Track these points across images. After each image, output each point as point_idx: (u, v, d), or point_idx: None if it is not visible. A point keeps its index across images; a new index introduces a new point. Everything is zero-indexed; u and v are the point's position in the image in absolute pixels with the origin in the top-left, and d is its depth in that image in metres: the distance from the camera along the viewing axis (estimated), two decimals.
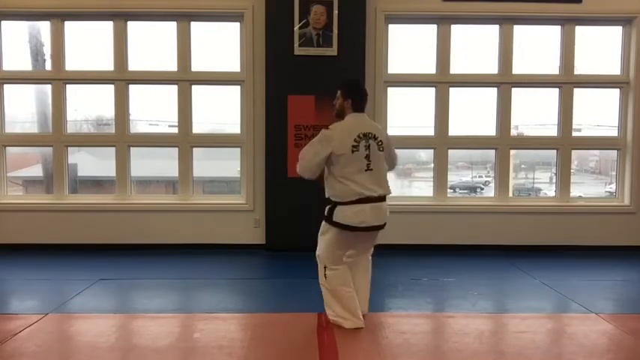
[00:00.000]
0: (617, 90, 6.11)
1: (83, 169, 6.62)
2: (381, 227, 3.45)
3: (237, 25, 5.95)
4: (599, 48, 6.14)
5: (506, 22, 5.97)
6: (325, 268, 3.48)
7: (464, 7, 5.86)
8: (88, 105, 6.34)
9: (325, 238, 3.48)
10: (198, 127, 6.08)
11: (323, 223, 3.51)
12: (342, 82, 3.62)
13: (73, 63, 5.99)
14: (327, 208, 3.46)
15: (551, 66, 6.12)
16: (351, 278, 3.52)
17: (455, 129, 6.06)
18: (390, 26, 6.01)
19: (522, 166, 7.20)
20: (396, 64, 6.03)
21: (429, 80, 6.07)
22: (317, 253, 3.56)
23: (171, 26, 5.94)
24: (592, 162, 7.65)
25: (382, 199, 3.41)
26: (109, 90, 5.99)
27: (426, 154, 6.50)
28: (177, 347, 3.28)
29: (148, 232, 5.90)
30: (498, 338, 3.57)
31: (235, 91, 6.00)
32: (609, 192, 6.60)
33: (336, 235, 3.41)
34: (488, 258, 5.58)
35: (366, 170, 3.34)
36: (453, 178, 6.36)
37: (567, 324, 3.69)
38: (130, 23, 5.94)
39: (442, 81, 6.02)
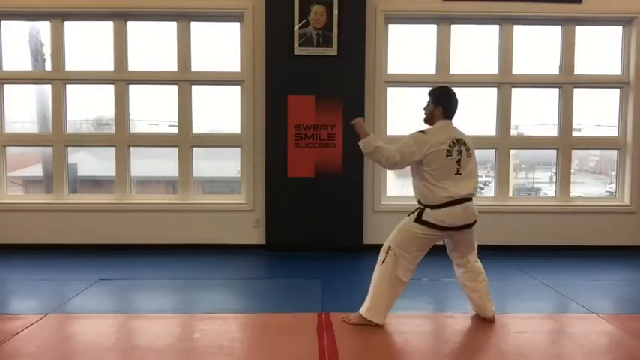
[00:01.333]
0: (617, 90, 6.11)
1: (83, 169, 6.63)
2: (471, 225, 3.52)
3: (237, 25, 5.95)
4: (599, 48, 6.14)
5: (506, 22, 5.97)
6: (388, 251, 3.49)
7: (464, 7, 5.86)
8: (88, 105, 6.33)
9: (406, 228, 3.51)
10: (198, 127, 6.08)
11: (407, 220, 3.55)
12: (433, 88, 3.70)
13: (73, 63, 5.99)
14: (415, 210, 3.52)
15: (551, 66, 6.12)
16: (402, 286, 3.55)
17: None
18: (390, 26, 6.01)
19: (522, 166, 7.21)
20: (396, 64, 6.03)
21: (429, 80, 6.04)
22: (387, 241, 3.56)
23: (172, 26, 5.94)
24: (592, 162, 7.66)
25: (470, 199, 3.48)
26: (109, 90, 5.99)
27: None
28: (177, 347, 3.28)
29: (148, 232, 5.90)
30: (498, 338, 3.57)
31: (235, 91, 6.00)
32: (609, 192, 6.61)
33: (421, 230, 3.45)
34: (488, 258, 5.56)
35: (455, 174, 3.44)
36: None
37: (567, 324, 3.69)
38: (130, 23, 5.94)
39: (442, 81, 5.99)
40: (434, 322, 3.81)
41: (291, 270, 5.20)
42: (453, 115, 3.63)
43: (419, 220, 3.47)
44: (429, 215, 3.44)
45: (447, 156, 3.42)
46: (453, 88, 3.75)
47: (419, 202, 3.56)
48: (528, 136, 6.42)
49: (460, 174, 3.45)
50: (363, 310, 3.55)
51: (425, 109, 3.66)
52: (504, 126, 6.05)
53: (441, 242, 3.67)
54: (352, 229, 5.83)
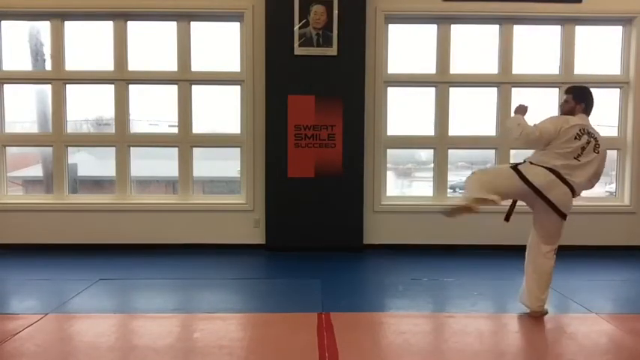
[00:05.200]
0: (617, 90, 6.12)
1: (83, 169, 6.62)
2: (557, 210, 3.61)
3: (237, 25, 5.95)
4: (599, 48, 6.14)
5: (506, 22, 5.97)
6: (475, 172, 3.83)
7: (464, 7, 5.86)
8: (88, 105, 6.33)
9: (501, 167, 3.84)
10: (198, 127, 6.08)
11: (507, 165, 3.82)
12: (574, 87, 3.88)
13: (73, 63, 5.99)
14: (519, 163, 3.71)
15: (551, 66, 6.12)
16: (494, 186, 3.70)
17: (455, 129, 6.06)
18: (390, 26, 6.01)
19: None
20: (396, 64, 6.03)
21: (428, 80, 6.07)
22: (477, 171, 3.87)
23: (171, 26, 5.95)
24: None
25: (571, 187, 3.59)
26: (109, 90, 5.99)
27: (426, 154, 6.50)
28: (177, 347, 3.28)
29: (148, 232, 5.90)
30: (498, 338, 3.57)
31: (235, 91, 6.00)
32: (609, 192, 6.60)
33: (510, 174, 3.64)
34: (489, 258, 5.58)
35: (574, 158, 3.57)
36: (453, 178, 6.36)
37: (567, 324, 3.69)
38: (130, 23, 5.94)
39: (442, 81, 6.03)
40: (434, 322, 3.81)
41: (291, 270, 5.20)
42: (590, 113, 3.78)
43: (515, 167, 3.67)
44: (524, 167, 3.63)
45: (576, 138, 3.57)
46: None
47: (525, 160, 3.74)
48: None
49: (579, 161, 3.58)
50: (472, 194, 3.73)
51: (562, 106, 3.82)
52: (504, 126, 6.05)
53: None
54: (352, 229, 5.83)
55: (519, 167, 3.65)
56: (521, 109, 3.85)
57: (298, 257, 5.58)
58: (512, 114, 3.90)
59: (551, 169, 3.56)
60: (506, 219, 3.86)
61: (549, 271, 3.74)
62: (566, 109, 3.78)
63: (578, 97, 3.75)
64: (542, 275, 3.73)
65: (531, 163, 3.66)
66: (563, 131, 3.58)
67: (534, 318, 3.73)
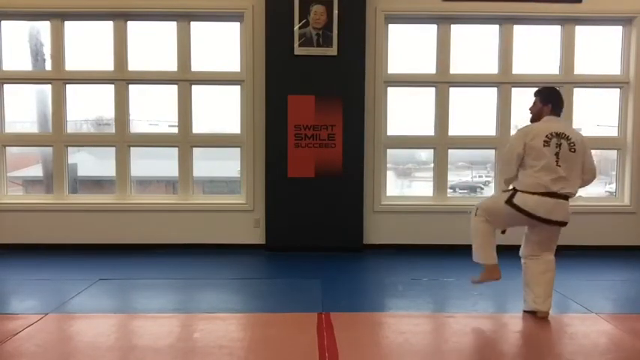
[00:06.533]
0: (617, 90, 6.12)
1: (83, 169, 6.63)
2: (561, 224, 3.61)
3: (237, 25, 5.95)
4: (599, 48, 6.14)
5: (506, 22, 5.97)
6: (477, 211, 3.74)
7: (464, 7, 5.86)
8: (88, 105, 6.33)
9: (498, 202, 3.70)
10: (198, 127, 6.08)
11: (500, 194, 3.77)
12: (540, 89, 3.85)
13: (73, 63, 5.99)
14: (509, 190, 3.68)
15: (551, 66, 6.12)
16: (494, 231, 3.73)
17: (455, 129, 6.06)
18: (390, 26, 6.01)
19: None
20: (396, 64, 6.03)
21: (428, 80, 6.07)
22: (479, 204, 3.80)
23: (171, 26, 5.95)
24: None
25: (566, 197, 3.57)
26: (109, 90, 5.99)
27: (426, 154, 6.50)
28: (177, 347, 3.28)
29: (148, 232, 5.90)
30: (498, 338, 3.57)
31: (235, 91, 6.00)
32: (609, 192, 6.60)
33: (509, 211, 3.60)
34: None
35: (555, 166, 3.54)
36: (453, 178, 6.36)
37: (567, 324, 3.69)
38: (130, 23, 5.94)
39: (442, 81, 6.03)
40: (434, 322, 3.81)
41: (291, 270, 5.20)
42: (560, 112, 3.77)
43: (510, 202, 3.60)
44: (519, 199, 3.56)
45: (544, 146, 3.53)
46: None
47: (513, 188, 3.69)
48: None
49: (559, 166, 3.53)
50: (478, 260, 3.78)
51: (531, 109, 3.80)
52: (504, 126, 6.05)
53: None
54: (352, 229, 5.83)
55: (514, 201, 3.58)
56: None
57: (298, 257, 5.58)
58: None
59: (544, 193, 3.51)
60: (503, 232, 3.86)
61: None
62: (533, 112, 3.78)
63: (544, 99, 3.74)
64: (553, 278, 3.75)
65: (522, 191, 3.59)
66: (529, 146, 3.56)
67: (534, 318, 3.72)
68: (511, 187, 3.71)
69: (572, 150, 3.57)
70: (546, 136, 3.55)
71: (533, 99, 3.81)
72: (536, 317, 3.71)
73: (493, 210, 3.71)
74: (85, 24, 6.02)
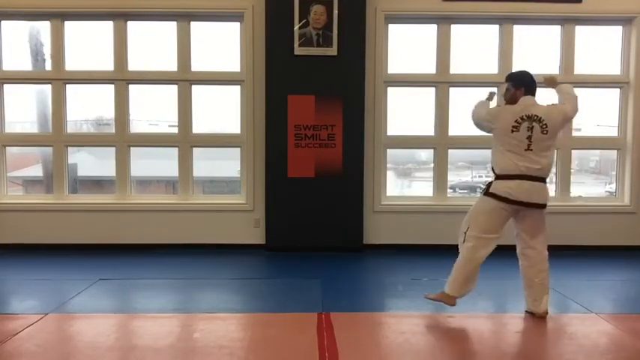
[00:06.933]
0: (617, 90, 6.11)
1: (83, 169, 6.63)
2: (540, 206, 3.62)
3: (237, 25, 5.95)
4: (599, 48, 6.14)
5: (506, 22, 5.97)
6: (466, 232, 3.69)
7: (464, 7, 5.86)
8: (88, 105, 6.33)
9: (477, 207, 3.70)
10: (198, 127, 6.08)
11: (478, 199, 3.76)
12: (510, 74, 3.89)
13: (73, 63, 5.99)
14: (486, 184, 3.73)
15: (551, 66, 6.12)
16: (483, 258, 3.71)
17: (455, 129, 6.06)
18: (390, 26, 6.01)
19: None
20: (396, 64, 6.03)
21: (429, 80, 6.07)
22: (463, 222, 3.76)
23: (172, 26, 5.94)
24: (592, 162, 7.65)
25: (542, 180, 3.60)
26: (109, 90, 5.99)
27: (426, 154, 6.50)
28: (177, 347, 3.28)
29: (148, 232, 5.90)
30: (498, 338, 3.57)
31: (235, 91, 6.00)
32: (609, 192, 6.61)
33: (490, 205, 3.61)
34: (488, 258, 5.57)
35: (526, 150, 3.54)
36: (452, 178, 6.36)
37: (567, 324, 3.69)
38: (130, 23, 5.94)
39: (442, 81, 6.03)
40: (434, 322, 3.81)
41: (291, 270, 5.20)
42: (534, 92, 3.74)
43: (487, 192, 3.62)
44: (496, 187, 3.59)
45: (513, 131, 3.55)
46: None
47: (492, 169, 3.71)
48: None
49: (531, 150, 3.54)
50: (446, 288, 3.74)
51: (505, 95, 3.80)
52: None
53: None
54: (352, 229, 5.83)
55: (492, 191, 3.61)
56: (490, 96, 4.02)
57: (298, 257, 5.58)
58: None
59: (518, 176, 3.54)
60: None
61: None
62: (507, 98, 3.77)
63: (516, 83, 3.74)
64: (547, 277, 3.75)
65: (497, 177, 3.62)
66: (495, 130, 3.64)
67: (534, 318, 3.73)
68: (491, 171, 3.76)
69: (545, 132, 3.58)
70: (515, 121, 3.56)
71: (506, 84, 3.82)
72: (535, 317, 3.71)
73: (477, 216, 3.68)
74: (85, 24, 6.02)
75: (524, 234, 3.73)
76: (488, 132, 3.77)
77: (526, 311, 3.82)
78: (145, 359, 3.09)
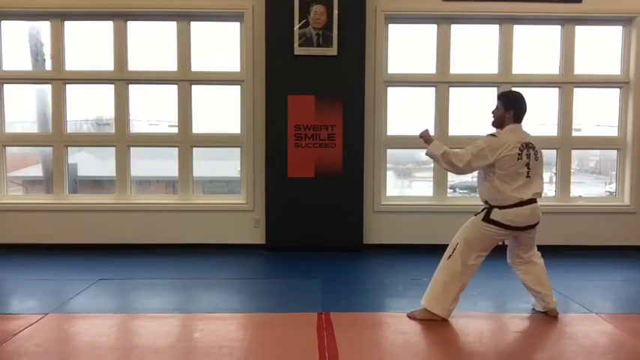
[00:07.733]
0: (617, 90, 6.11)
1: (83, 169, 6.62)
2: (536, 224, 3.65)
3: (237, 25, 5.95)
4: (599, 48, 6.14)
5: (506, 22, 5.97)
6: (456, 247, 3.63)
7: (464, 7, 5.86)
8: (88, 105, 6.33)
9: (473, 231, 3.63)
10: (198, 127, 6.07)
11: (474, 220, 3.67)
12: (502, 93, 3.82)
13: (73, 63, 5.99)
14: (482, 210, 3.64)
15: (551, 66, 6.12)
16: (469, 279, 3.67)
17: (455, 129, 6.06)
18: (390, 26, 6.01)
19: None
20: (396, 64, 6.03)
21: (429, 80, 6.07)
22: (455, 238, 3.69)
23: (172, 26, 5.95)
24: (592, 162, 7.65)
25: (536, 200, 3.61)
26: (109, 90, 5.99)
27: None
28: (177, 347, 3.28)
29: (148, 232, 5.90)
30: (498, 338, 3.57)
31: (235, 91, 6.00)
32: (609, 192, 6.60)
33: (489, 231, 3.58)
34: (488, 258, 5.56)
35: (526, 177, 3.55)
36: (452, 178, 6.35)
37: (567, 324, 3.69)
38: (130, 23, 5.94)
39: (442, 81, 6.02)
40: (434, 322, 3.80)
41: (291, 270, 5.20)
42: (522, 119, 3.69)
43: (487, 219, 3.58)
44: (497, 215, 3.55)
45: (518, 159, 3.52)
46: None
47: (486, 202, 3.65)
48: None
49: (529, 177, 3.56)
50: (425, 302, 3.67)
51: (494, 112, 3.73)
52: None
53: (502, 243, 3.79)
54: (352, 229, 5.83)
55: (492, 217, 3.55)
56: (427, 135, 3.87)
57: (298, 257, 5.58)
58: (424, 139, 3.89)
59: (519, 204, 3.52)
60: (502, 243, 3.84)
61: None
62: (496, 116, 3.71)
63: (507, 104, 3.65)
64: (546, 274, 3.77)
65: (498, 207, 3.56)
66: (502, 160, 3.50)
67: (534, 318, 3.73)
68: (483, 203, 3.68)
69: (537, 158, 3.61)
70: (519, 148, 3.53)
71: (496, 102, 3.73)
72: (548, 316, 3.75)
73: (472, 239, 3.62)
74: (85, 24, 6.02)
75: (520, 251, 3.75)
76: (486, 167, 3.58)
77: (535, 310, 3.85)
78: (145, 359, 3.09)
